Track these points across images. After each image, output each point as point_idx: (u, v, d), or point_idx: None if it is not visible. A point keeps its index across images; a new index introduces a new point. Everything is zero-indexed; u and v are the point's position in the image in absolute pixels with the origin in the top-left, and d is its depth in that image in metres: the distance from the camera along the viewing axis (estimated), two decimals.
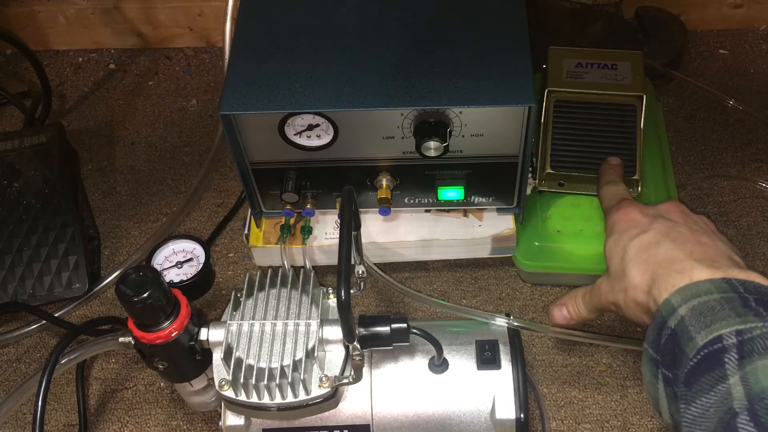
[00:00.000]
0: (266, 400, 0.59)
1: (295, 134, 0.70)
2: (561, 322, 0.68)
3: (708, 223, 0.61)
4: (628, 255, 0.58)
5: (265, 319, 0.61)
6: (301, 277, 0.65)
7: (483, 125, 0.69)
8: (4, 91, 1.05)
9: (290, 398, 0.59)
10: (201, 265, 0.82)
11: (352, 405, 0.64)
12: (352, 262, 0.63)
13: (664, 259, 0.55)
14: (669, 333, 0.49)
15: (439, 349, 0.63)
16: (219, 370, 0.60)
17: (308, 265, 0.80)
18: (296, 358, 0.59)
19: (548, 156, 0.82)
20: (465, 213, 0.81)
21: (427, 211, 0.81)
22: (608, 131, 0.82)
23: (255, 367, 0.59)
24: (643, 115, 0.82)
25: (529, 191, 0.78)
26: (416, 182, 0.76)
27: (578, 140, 0.82)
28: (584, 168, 0.81)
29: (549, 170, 0.82)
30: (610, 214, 0.65)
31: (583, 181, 0.81)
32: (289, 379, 0.58)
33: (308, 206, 0.77)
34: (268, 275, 0.64)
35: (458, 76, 0.68)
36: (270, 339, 0.60)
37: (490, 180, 0.75)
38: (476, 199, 0.78)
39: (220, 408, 0.65)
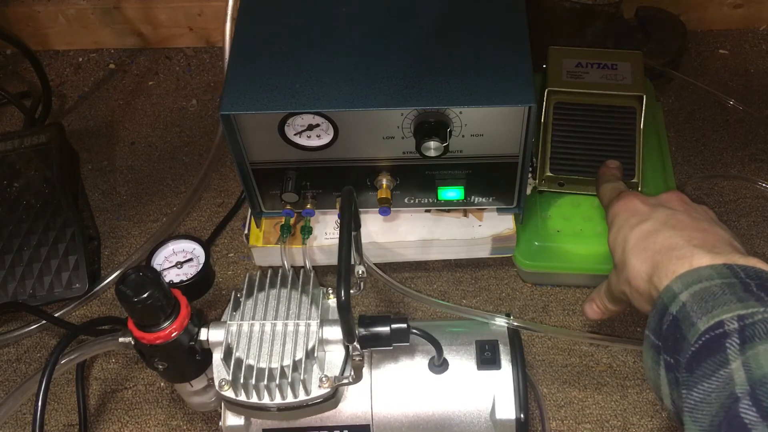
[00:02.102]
0: (266, 400, 0.59)
1: (295, 134, 0.70)
2: (594, 317, 0.68)
3: (708, 211, 0.61)
4: (628, 245, 0.59)
5: (265, 319, 0.61)
6: (301, 277, 0.65)
7: (483, 125, 0.69)
8: (4, 91, 1.05)
9: (290, 398, 0.59)
10: (201, 266, 0.82)
11: (352, 405, 0.64)
12: (352, 262, 0.63)
13: (663, 246, 0.55)
14: (671, 319, 0.49)
15: (439, 349, 0.63)
16: (219, 371, 0.60)
17: (308, 265, 0.80)
18: (296, 359, 0.59)
19: (548, 159, 0.82)
20: (465, 213, 0.81)
21: (427, 211, 0.81)
22: (608, 134, 0.82)
23: (255, 368, 0.59)
24: (642, 115, 0.82)
25: (529, 191, 0.78)
26: (416, 182, 0.76)
27: (578, 143, 0.82)
28: (583, 171, 0.81)
29: (548, 173, 0.82)
30: (611, 206, 0.65)
31: (583, 183, 0.81)
32: (289, 380, 0.58)
33: (308, 206, 0.77)
34: (268, 275, 0.64)
35: (458, 76, 0.68)
36: (270, 339, 0.60)
37: (490, 180, 0.75)
38: (476, 199, 0.78)
39: (220, 408, 0.65)
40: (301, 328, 0.60)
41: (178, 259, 0.83)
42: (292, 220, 0.79)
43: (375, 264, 0.80)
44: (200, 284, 0.83)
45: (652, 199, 0.62)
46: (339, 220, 0.75)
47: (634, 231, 0.59)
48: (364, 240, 0.70)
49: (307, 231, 0.79)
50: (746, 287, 0.48)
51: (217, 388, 0.59)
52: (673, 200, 0.62)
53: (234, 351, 0.59)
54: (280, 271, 0.65)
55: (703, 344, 0.46)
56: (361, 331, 0.59)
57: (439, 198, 0.77)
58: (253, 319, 0.61)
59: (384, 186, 0.75)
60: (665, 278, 0.52)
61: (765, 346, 0.43)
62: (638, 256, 0.57)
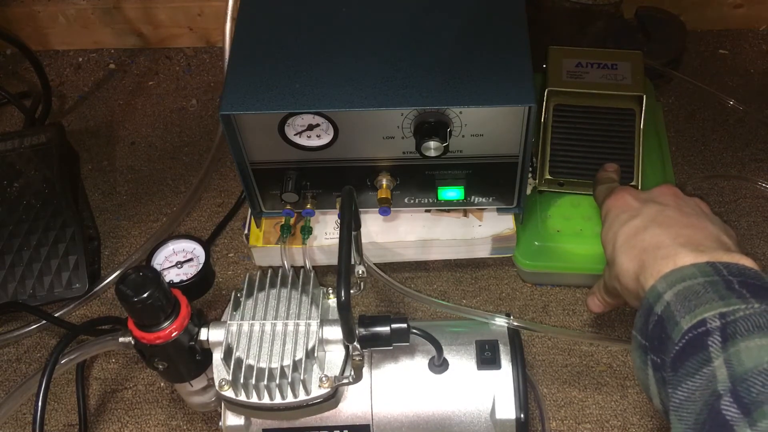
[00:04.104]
0: (266, 400, 0.59)
1: (295, 134, 0.70)
2: (596, 310, 0.69)
3: (700, 203, 0.61)
4: (618, 242, 0.59)
5: (265, 319, 0.61)
6: (301, 277, 0.65)
7: (483, 125, 0.69)
8: (4, 91, 1.05)
9: (290, 398, 0.59)
10: (201, 265, 0.82)
11: (352, 405, 0.64)
12: (352, 262, 0.63)
13: (650, 245, 0.55)
14: (656, 319, 0.50)
15: (439, 349, 0.63)
16: (219, 371, 0.60)
17: (308, 265, 0.80)
18: (296, 359, 0.59)
19: (547, 162, 0.82)
20: (465, 213, 0.81)
21: (427, 211, 0.81)
22: (607, 137, 0.82)
23: (255, 368, 0.59)
24: (642, 116, 0.82)
25: (529, 191, 0.78)
26: (416, 182, 0.76)
27: (577, 146, 0.82)
28: (582, 174, 0.81)
29: (548, 176, 0.82)
30: (605, 202, 0.65)
31: (583, 184, 0.81)
32: (289, 379, 0.58)
33: (308, 206, 0.77)
34: (268, 275, 0.64)
35: (458, 76, 0.68)
36: (270, 339, 0.60)
37: (490, 180, 0.75)
38: (476, 199, 0.78)
39: (220, 408, 0.65)
40: (301, 328, 0.60)
41: (178, 259, 0.83)
42: (292, 220, 0.79)
43: (375, 264, 0.80)
44: (200, 284, 0.83)
45: (643, 194, 0.62)
46: (339, 220, 0.75)
47: (623, 228, 0.59)
48: (364, 240, 0.70)
49: (307, 231, 0.79)
50: (728, 285, 0.48)
51: (217, 388, 0.59)
52: (664, 194, 0.62)
53: (234, 351, 0.59)
54: (280, 271, 0.65)
55: (686, 343, 0.46)
56: (361, 331, 0.59)
57: (439, 198, 0.77)
58: (253, 319, 0.61)
59: (384, 186, 0.75)
60: (651, 278, 0.53)
61: (746, 344, 0.43)
62: (626, 255, 0.57)
